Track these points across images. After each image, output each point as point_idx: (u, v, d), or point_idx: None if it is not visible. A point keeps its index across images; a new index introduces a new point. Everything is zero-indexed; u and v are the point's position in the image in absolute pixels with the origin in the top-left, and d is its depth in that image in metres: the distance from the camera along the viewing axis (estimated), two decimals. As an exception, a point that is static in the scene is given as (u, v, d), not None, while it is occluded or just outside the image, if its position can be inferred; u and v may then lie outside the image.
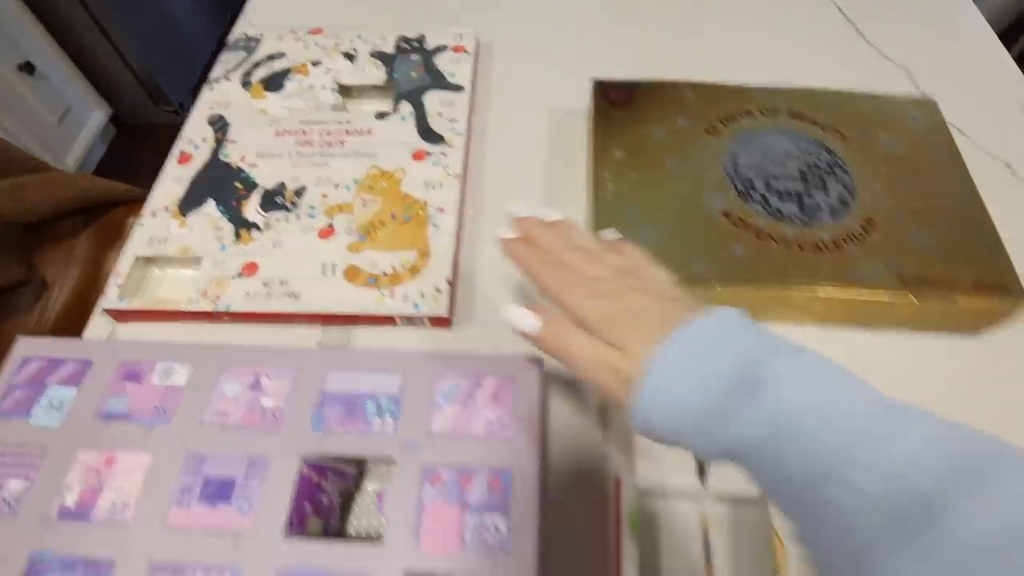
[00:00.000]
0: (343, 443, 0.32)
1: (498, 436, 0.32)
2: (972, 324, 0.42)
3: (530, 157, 0.52)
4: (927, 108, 0.48)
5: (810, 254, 0.39)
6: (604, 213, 0.42)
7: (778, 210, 0.41)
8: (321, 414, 0.33)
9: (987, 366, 0.42)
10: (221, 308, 0.41)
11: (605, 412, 0.39)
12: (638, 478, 0.34)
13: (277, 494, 0.31)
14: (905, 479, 0.19)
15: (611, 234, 0.34)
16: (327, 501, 0.33)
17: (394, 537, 0.30)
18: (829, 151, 0.45)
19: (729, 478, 0.34)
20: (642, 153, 0.45)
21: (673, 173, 0.44)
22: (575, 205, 0.47)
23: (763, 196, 0.42)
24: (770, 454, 0.22)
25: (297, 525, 0.31)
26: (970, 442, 0.21)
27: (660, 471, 0.35)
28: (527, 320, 0.29)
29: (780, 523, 0.34)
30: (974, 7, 0.66)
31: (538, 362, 0.35)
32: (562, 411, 0.40)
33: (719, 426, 0.23)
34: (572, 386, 0.40)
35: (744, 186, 0.43)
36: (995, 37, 0.63)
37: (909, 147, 0.46)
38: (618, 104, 0.47)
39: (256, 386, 0.34)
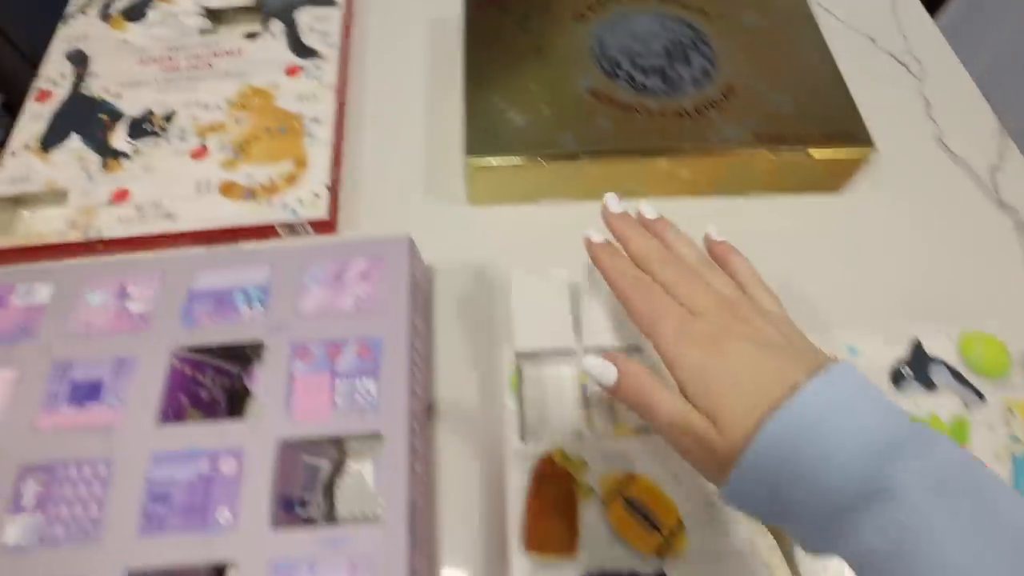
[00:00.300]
0: (212, 334, 0.32)
1: (367, 309, 0.33)
2: (830, 180, 0.44)
3: (410, 67, 0.51)
4: (785, -17, 0.50)
5: (672, 121, 0.41)
6: (475, 98, 0.42)
7: (643, 84, 0.43)
8: (190, 310, 0.33)
9: (849, 221, 0.45)
10: (92, 236, 0.40)
11: (491, 290, 0.40)
12: (517, 342, 0.36)
13: (148, 388, 0.31)
14: None
15: (651, 211, 0.31)
16: (207, 396, 0.33)
17: (266, 411, 0.30)
18: (693, 28, 0.46)
19: (601, 331, 0.36)
20: (512, 45, 0.45)
21: (542, 61, 0.44)
22: (452, 106, 0.47)
23: (628, 73, 0.43)
24: (889, 565, 0.18)
25: (173, 417, 0.31)
26: None
27: (537, 336, 0.36)
28: (605, 373, 0.26)
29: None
30: None
31: (407, 241, 0.35)
32: (449, 284, 0.41)
33: (827, 531, 0.20)
34: (455, 271, 0.41)
35: (610, 66, 0.44)
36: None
37: (770, 22, 0.47)
38: (492, 2, 0.47)
39: (122, 294, 0.34)
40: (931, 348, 0.37)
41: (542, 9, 0.47)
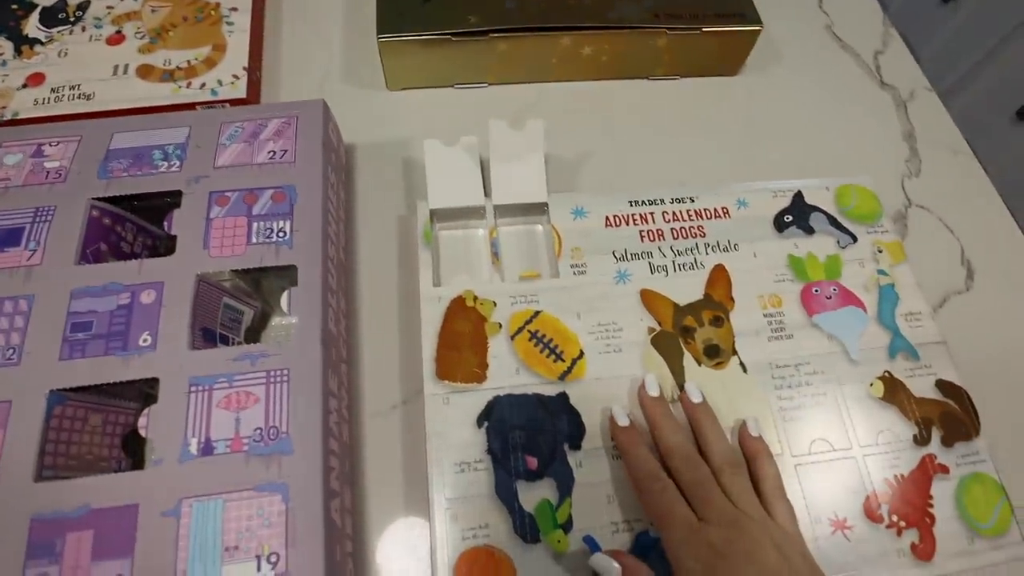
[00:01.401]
0: (129, 186, 0.34)
1: (281, 161, 0.35)
2: (726, 62, 0.47)
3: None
4: None
5: (575, 2, 0.43)
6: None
7: (548, -33, 0.45)
8: (107, 167, 0.34)
9: (744, 99, 0.48)
10: (7, 117, 0.40)
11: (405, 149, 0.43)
12: (431, 200, 0.38)
13: (67, 234, 0.32)
14: None
15: (696, 395, 0.32)
16: (128, 249, 0.35)
17: (184, 250, 0.32)
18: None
19: (508, 192, 0.38)
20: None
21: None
22: None
23: (536, -43, 0.45)
24: None
25: (92, 260, 0.32)
26: None
27: (450, 195, 0.38)
28: (611, 569, 0.27)
29: (556, 220, 0.39)
30: None
31: (321, 103, 0.37)
32: (367, 160, 0.43)
33: None
34: (374, 148, 0.43)
35: (518, -49, 0.45)
36: None
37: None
38: None
39: (38, 153, 0.35)
40: (811, 199, 0.41)
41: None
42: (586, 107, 0.46)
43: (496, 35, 0.42)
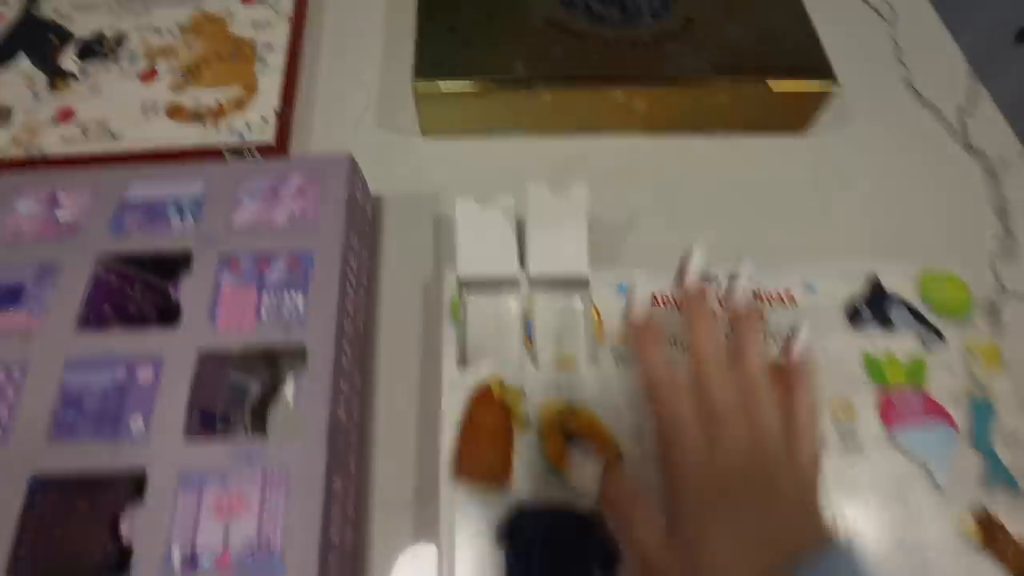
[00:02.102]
0: (140, 243, 0.31)
1: (300, 224, 0.32)
2: (792, 117, 0.43)
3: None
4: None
5: (629, 52, 0.39)
6: (427, 23, 0.40)
7: (600, 15, 0.41)
8: (121, 221, 0.32)
9: (811, 161, 0.43)
10: (34, 153, 0.39)
11: (439, 226, 0.39)
12: (460, 268, 0.34)
13: (70, 295, 0.30)
14: None
15: (748, 267, 0.26)
16: (135, 310, 0.32)
17: (190, 320, 0.29)
18: (658, -40, 0.45)
19: (546, 261, 0.35)
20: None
21: (499, -11, 0.43)
22: (411, 36, 0.45)
23: (586, 3, 0.42)
24: None
25: (94, 324, 0.30)
26: None
27: (481, 263, 0.35)
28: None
29: (599, 297, 0.35)
30: None
31: (347, 159, 0.34)
32: (396, 213, 0.40)
33: None
34: (404, 201, 0.40)
35: (570, -6, 0.42)
36: None
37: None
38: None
39: (52, 203, 0.33)
40: (890, 286, 0.36)
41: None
42: (636, 165, 0.42)
43: (542, 86, 0.38)
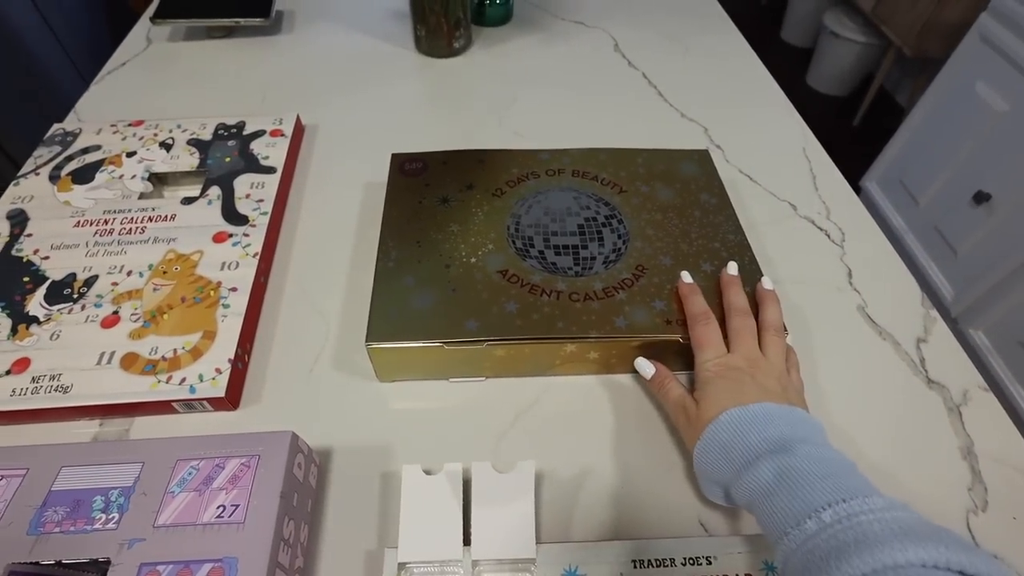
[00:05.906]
0: (57, 548, 0.30)
1: (229, 521, 0.31)
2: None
3: (340, 229, 0.53)
4: (699, 157, 0.52)
5: (580, 304, 0.41)
6: (383, 281, 0.42)
7: (553, 264, 0.43)
8: (41, 517, 0.31)
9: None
10: (-19, 409, 0.39)
11: (386, 484, 0.38)
12: (400, 550, 0.33)
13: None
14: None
15: (768, 282, 0.42)
16: (46, 616, 0.30)
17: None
18: (608, 204, 0.48)
19: (490, 543, 0.33)
20: (427, 221, 0.46)
21: (455, 238, 0.45)
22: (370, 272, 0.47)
23: (540, 252, 0.44)
24: (771, 490, 0.30)
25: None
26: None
27: (423, 544, 0.33)
28: (646, 368, 0.40)
29: (546, 582, 0.33)
30: (764, 68, 0.74)
31: (290, 437, 0.34)
32: (346, 464, 0.38)
33: (742, 473, 0.31)
34: (354, 451, 0.39)
35: (524, 244, 0.44)
36: (782, 95, 0.70)
37: (681, 195, 0.49)
38: (411, 174, 0.49)
39: (-21, 487, 0.32)
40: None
41: (460, 186, 0.49)
42: (592, 406, 0.42)
43: (495, 344, 0.39)
